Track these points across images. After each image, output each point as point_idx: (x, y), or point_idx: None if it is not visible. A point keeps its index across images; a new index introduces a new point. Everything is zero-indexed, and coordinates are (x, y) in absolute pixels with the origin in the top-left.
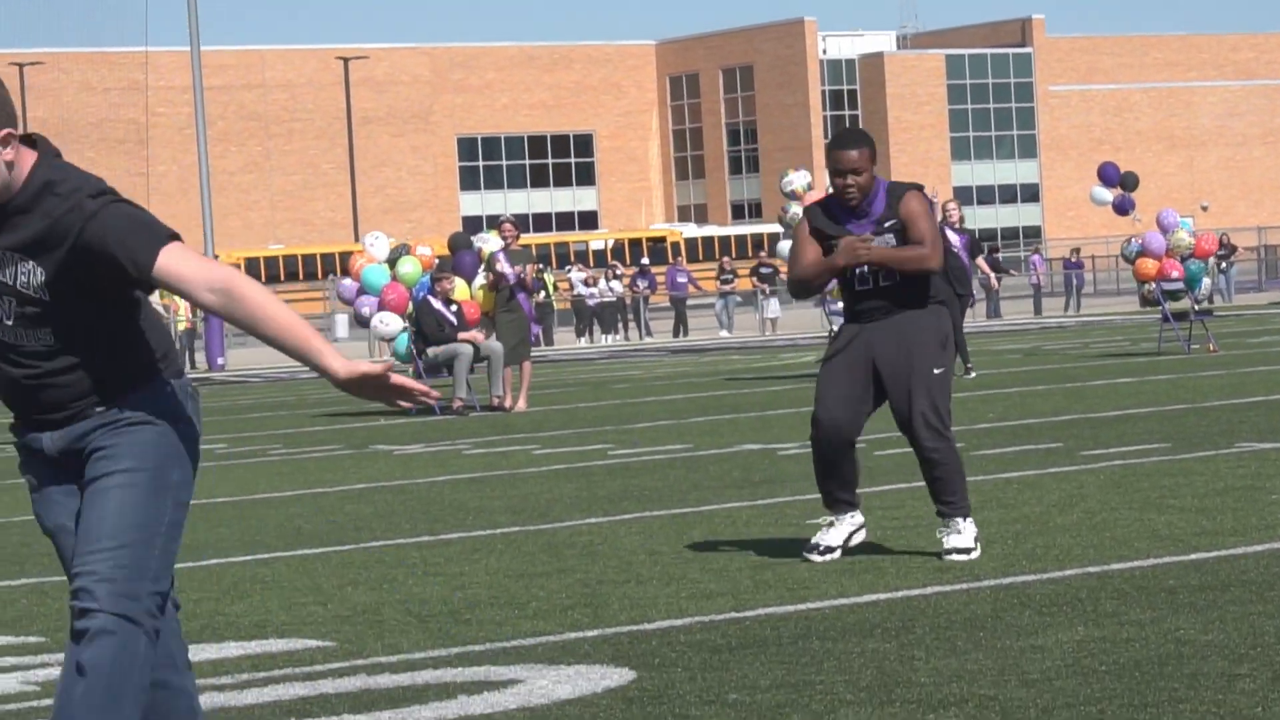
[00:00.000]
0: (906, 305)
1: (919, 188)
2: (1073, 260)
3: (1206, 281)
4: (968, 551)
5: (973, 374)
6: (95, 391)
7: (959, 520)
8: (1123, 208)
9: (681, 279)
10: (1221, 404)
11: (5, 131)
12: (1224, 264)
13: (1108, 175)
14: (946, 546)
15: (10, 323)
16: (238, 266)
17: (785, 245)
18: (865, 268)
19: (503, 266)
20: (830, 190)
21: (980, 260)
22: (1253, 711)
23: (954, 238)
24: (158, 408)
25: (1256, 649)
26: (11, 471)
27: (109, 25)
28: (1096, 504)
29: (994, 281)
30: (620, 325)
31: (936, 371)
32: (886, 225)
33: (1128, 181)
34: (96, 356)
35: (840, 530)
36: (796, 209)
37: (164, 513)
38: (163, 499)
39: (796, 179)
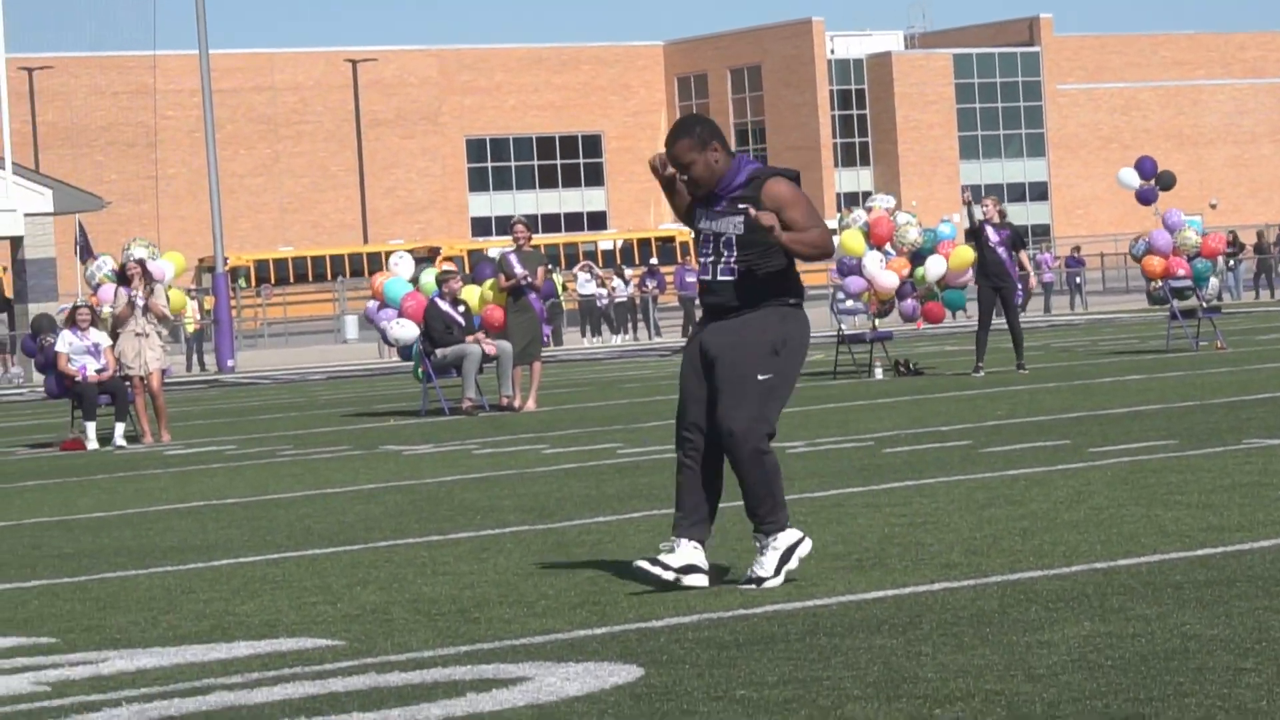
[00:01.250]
0: (748, 303)
1: (787, 174)
2: (1075, 258)
3: (1214, 281)
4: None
5: (1026, 370)
6: None
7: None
8: (1147, 198)
9: (690, 279)
10: (1229, 401)
11: None
12: (1232, 262)
13: (1145, 167)
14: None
15: None
16: (248, 269)
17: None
18: (709, 258)
19: (515, 269)
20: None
21: (1023, 255)
22: (1258, 705)
23: (992, 234)
24: None
25: (1262, 643)
26: (20, 474)
27: (118, 29)
28: (1104, 500)
29: (1033, 280)
30: (629, 325)
31: (761, 379)
32: (740, 206)
33: (1165, 179)
34: None
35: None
36: (860, 213)
37: None
38: None
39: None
